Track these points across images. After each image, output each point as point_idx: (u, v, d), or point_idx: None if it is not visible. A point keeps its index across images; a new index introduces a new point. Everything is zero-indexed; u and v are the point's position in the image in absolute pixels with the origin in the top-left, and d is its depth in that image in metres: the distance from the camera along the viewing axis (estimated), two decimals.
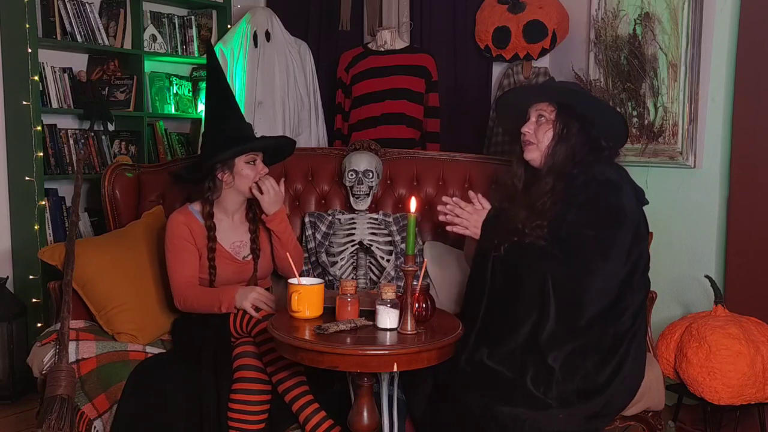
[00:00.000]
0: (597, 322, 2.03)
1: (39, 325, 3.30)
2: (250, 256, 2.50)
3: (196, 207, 2.48)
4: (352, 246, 2.72)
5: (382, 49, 3.62)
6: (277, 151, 2.61)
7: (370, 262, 2.73)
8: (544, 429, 1.92)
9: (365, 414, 1.93)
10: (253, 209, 2.53)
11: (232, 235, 2.50)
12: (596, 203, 2.10)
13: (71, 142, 3.57)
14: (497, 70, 3.93)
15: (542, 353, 2.03)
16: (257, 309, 2.26)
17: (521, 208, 2.20)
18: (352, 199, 2.82)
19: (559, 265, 2.05)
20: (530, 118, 2.26)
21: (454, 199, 2.30)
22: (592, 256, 2.04)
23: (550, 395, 1.96)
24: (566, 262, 2.05)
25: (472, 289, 2.28)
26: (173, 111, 4.02)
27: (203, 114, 2.58)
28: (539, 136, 2.23)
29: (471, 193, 2.33)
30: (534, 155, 2.24)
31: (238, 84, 3.69)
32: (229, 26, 4.05)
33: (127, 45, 3.71)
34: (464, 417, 1.96)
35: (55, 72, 3.48)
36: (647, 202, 2.23)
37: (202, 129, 2.59)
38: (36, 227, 3.31)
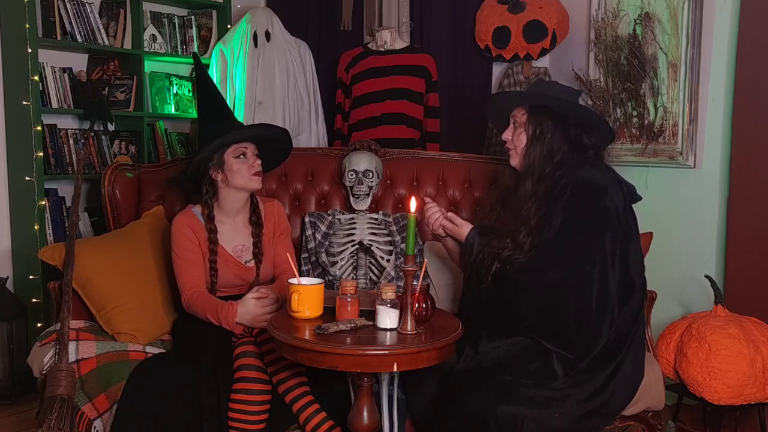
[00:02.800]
0: (595, 324, 2.03)
1: (39, 325, 3.30)
2: (253, 261, 2.50)
3: (198, 209, 2.49)
4: (352, 246, 2.72)
5: (382, 49, 3.62)
6: (273, 148, 2.59)
7: (370, 262, 2.73)
8: (542, 427, 1.93)
9: (365, 414, 1.93)
10: (256, 213, 2.53)
11: (235, 238, 2.49)
12: (578, 207, 2.09)
13: (71, 142, 3.56)
14: (497, 70, 3.93)
15: (541, 354, 2.03)
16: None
17: (510, 216, 2.21)
18: (352, 199, 2.81)
19: (546, 277, 2.05)
20: (510, 124, 2.28)
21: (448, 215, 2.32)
22: (577, 263, 2.04)
23: (548, 394, 1.96)
24: (552, 272, 2.05)
25: (466, 305, 2.30)
26: (173, 111, 4.02)
27: (199, 117, 2.59)
28: (515, 141, 2.24)
29: (450, 214, 2.33)
30: (515, 161, 2.26)
31: (238, 84, 3.69)
32: (229, 26, 4.05)
33: (127, 45, 3.71)
34: (463, 416, 1.96)
35: (55, 72, 3.48)
36: (639, 198, 2.21)
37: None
38: (36, 227, 3.31)
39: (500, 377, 1.99)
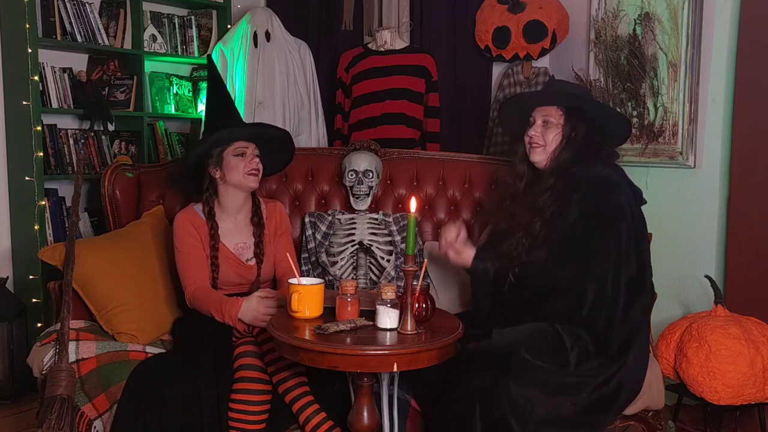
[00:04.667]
0: (608, 317, 2.07)
1: (39, 325, 3.29)
2: (254, 260, 2.50)
3: (199, 206, 2.49)
4: (352, 246, 2.72)
5: (382, 49, 3.62)
6: (275, 150, 2.59)
7: (370, 262, 2.73)
8: (551, 412, 1.96)
9: (365, 414, 1.93)
10: (258, 214, 2.53)
11: (236, 236, 2.49)
12: (594, 201, 2.12)
13: (71, 142, 3.56)
14: (497, 70, 3.93)
15: (556, 340, 2.06)
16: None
17: (524, 208, 2.23)
18: (352, 199, 2.81)
19: (564, 272, 2.08)
20: (536, 122, 2.28)
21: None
22: (593, 257, 2.07)
23: (561, 380, 2.00)
24: (569, 267, 2.08)
25: (479, 303, 2.32)
26: (173, 111, 4.02)
27: (204, 118, 2.59)
28: (547, 139, 2.25)
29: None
30: (540, 157, 2.27)
31: (238, 84, 3.68)
32: (229, 26, 4.05)
33: (127, 45, 3.71)
34: (475, 392, 1.97)
35: (55, 72, 3.48)
36: (645, 202, 2.26)
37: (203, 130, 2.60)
38: (36, 227, 3.31)
39: (516, 356, 2.02)
